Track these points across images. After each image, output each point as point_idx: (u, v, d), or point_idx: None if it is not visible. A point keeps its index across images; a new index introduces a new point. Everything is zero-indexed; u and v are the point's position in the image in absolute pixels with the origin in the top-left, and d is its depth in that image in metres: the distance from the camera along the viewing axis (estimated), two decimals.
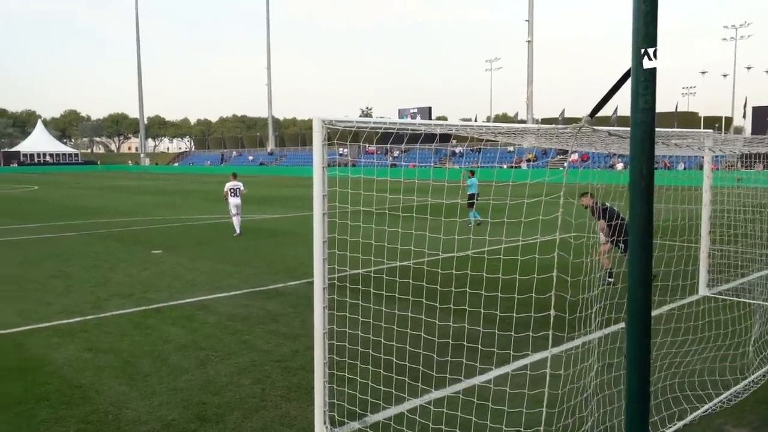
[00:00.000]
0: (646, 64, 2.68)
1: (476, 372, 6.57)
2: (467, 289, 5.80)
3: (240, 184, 19.70)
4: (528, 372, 6.22)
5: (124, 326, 9.28)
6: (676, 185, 10.29)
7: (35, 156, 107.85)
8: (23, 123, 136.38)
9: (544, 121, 73.45)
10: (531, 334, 5.84)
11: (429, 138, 7.97)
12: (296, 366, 7.48)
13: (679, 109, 71.86)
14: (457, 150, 65.96)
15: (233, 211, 19.50)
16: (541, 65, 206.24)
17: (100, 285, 12.18)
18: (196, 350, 8.14)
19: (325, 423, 5.57)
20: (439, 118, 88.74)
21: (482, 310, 6.31)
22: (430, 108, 79.39)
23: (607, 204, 11.16)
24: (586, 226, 10.94)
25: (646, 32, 2.64)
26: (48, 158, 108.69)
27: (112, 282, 12.45)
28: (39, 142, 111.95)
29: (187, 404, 6.44)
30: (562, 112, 72.02)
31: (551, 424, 5.10)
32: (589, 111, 3.97)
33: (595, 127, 4.20)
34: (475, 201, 20.52)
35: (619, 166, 49.82)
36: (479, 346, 6.04)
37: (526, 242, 6.13)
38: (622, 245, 10.82)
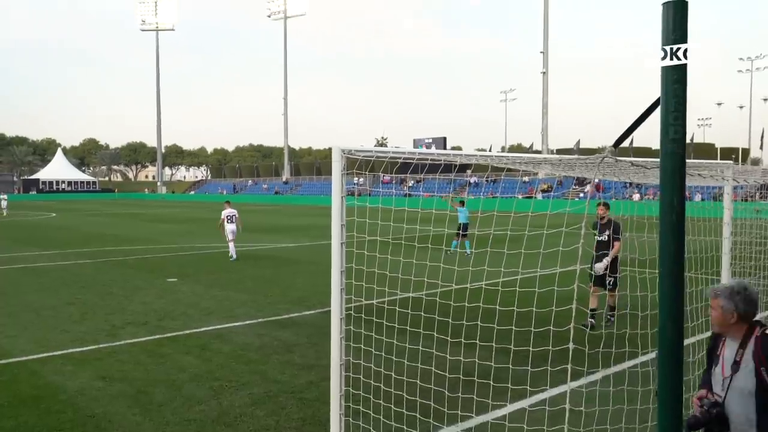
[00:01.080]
0: (677, 94, 2.63)
1: (489, 408, 6.41)
2: (478, 323, 5.69)
3: (235, 211, 21.02)
4: (546, 407, 6.05)
5: (138, 355, 9.22)
6: (693, 216, 10.12)
7: (54, 184, 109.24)
8: (44, 151, 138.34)
9: (559, 151, 73.37)
10: (549, 368, 5.69)
11: (445, 168, 7.94)
12: (311, 397, 7.37)
13: (695, 140, 71.59)
14: (472, 180, 65.92)
15: (230, 237, 20.65)
16: (554, 94, 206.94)
17: (116, 313, 12.16)
18: (210, 380, 8.05)
19: None
20: (453, 148, 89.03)
21: (494, 344, 6.18)
22: (444, 138, 79.60)
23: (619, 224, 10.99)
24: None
25: (677, 62, 2.59)
26: (66, 186, 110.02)
27: (127, 310, 12.44)
28: (58, 170, 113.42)
29: None
30: (578, 143, 72.04)
31: None
32: (603, 141, 3.92)
33: (618, 158, 4.14)
34: (465, 232, 20.69)
35: (636, 197, 49.48)
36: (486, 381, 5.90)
37: (535, 274, 6.02)
38: (610, 281, 10.60)
